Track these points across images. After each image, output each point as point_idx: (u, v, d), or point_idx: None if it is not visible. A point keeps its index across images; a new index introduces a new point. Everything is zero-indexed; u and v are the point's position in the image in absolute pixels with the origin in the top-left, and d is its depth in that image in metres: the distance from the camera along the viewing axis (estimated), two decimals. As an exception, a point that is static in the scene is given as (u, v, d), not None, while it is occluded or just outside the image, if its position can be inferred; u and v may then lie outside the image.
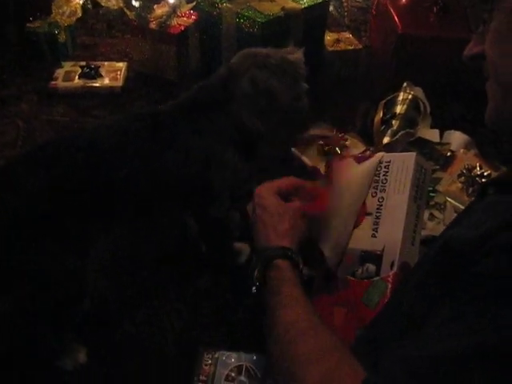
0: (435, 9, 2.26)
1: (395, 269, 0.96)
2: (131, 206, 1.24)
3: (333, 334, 0.71)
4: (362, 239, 1.05)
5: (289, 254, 0.85)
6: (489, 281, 0.56)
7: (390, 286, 0.94)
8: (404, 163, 1.07)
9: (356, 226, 1.07)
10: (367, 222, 1.06)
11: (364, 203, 1.08)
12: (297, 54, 1.34)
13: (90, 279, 1.17)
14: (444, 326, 0.57)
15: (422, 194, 1.06)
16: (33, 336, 1.23)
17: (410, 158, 1.07)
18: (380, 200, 1.06)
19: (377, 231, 1.03)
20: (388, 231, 1.01)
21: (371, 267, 0.99)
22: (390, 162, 1.10)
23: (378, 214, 1.05)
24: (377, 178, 1.09)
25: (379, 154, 1.12)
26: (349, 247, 1.06)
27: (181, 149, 1.25)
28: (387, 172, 1.08)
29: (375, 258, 1.00)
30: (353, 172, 1.13)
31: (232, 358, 1.13)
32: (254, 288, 0.84)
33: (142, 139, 1.23)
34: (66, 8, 2.26)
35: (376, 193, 1.08)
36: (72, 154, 1.16)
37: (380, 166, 1.10)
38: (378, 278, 0.97)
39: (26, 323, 1.19)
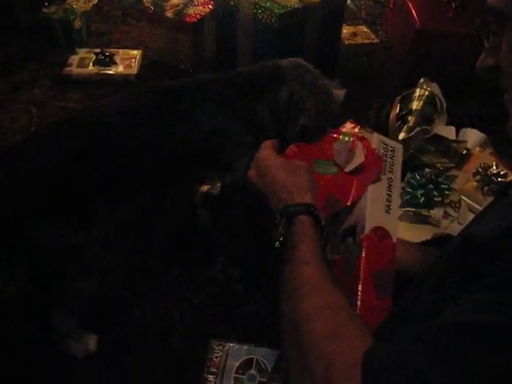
0: (453, 4, 2.24)
1: (366, 231, 0.98)
2: (139, 182, 1.23)
3: (344, 297, 0.71)
4: (345, 219, 1.08)
5: (311, 210, 0.85)
6: None
7: (363, 248, 0.96)
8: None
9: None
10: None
11: None
12: (340, 93, 1.35)
13: (92, 257, 1.16)
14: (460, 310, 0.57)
15: (393, 168, 1.08)
16: (38, 318, 1.24)
17: (371, 138, 1.11)
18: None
19: (353, 207, 1.05)
20: (360, 204, 1.04)
21: (349, 239, 1.02)
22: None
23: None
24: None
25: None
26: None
27: (193, 123, 1.25)
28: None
29: (351, 230, 1.03)
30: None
31: (243, 351, 1.13)
32: (277, 243, 0.84)
33: (151, 113, 1.23)
34: (82, -6, 2.25)
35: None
36: (79, 130, 1.17)
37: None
38: (353, 245, 1.00)
39: (30, 304, 1.19)
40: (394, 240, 1.01)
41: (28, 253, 1.09)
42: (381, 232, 1.00)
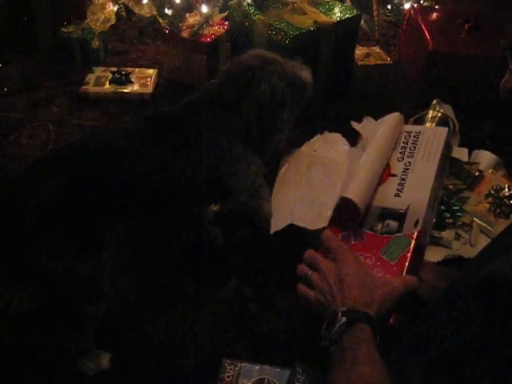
0: (467, 26, 2.25)
1: (419, 227, 0.99)
2: (148, 206, 1.25)
3: None
4: (384, 198, 1.09)
5: (372, 323, 0.87)
6: None
7: (413, 242, 0.97)
8: (435, 135, 1.14)
9: (379, 184, 1.11)
10: (391, 182, 1.10)
11: (388, 165, 1.14)
12: (306, 73, 1.39)
13: (104, 279, 1.18)
14: None
15: (445, 169, 1.13)
16: (50, 337, 1.24)
17: (442, 131, 1.15)
18: (407, 164, 1.12)
19: (401, 191, 1.07)
20: (414, 193, 1.05)
21: (392, 223, 1.03)
22: (419, 132, 1.18)
23: (403, 177, 1.10)
24: (404, 145, 1.16)
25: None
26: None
27: (195, 147, 1.27)
28: (416, 140, 1.15)
29: (397, 215, 1.03)
30: (375, 128, 1.22)
31: (254, 371, 1.13)
32: (326, 341, 0.87)
33: (156, 139, 1.25)
34: (100, 14, 2.29)
35: (403, 157, 1.14)
36: (87, 155, 1.19)
37: (409, 135, 1.18)
38: (400, 234, 1.00)
39: (44, 323, 1.20)
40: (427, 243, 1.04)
41: (38, 276, 1.09)
42: (425, 235, 1.02)
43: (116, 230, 1.20)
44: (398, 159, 1.14)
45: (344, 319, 0.86)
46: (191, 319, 1.37)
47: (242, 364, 1.15)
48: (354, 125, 1.30)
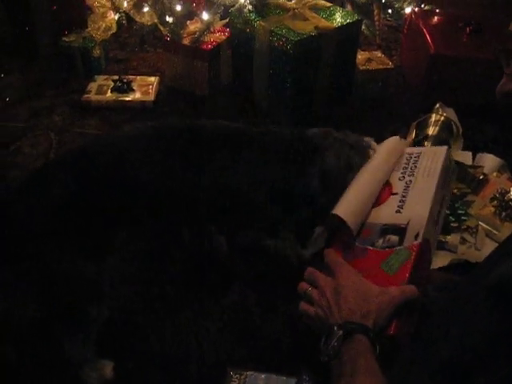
0: (468, 29, 2.25)
1: (420, 239, 0.99)
2: (155, 218, 1.24)
3: None
4: (385, 215, 1.11)
5: (369, 334, 0.87)
6: None
7: (413, 254, 0.97)
8: (435, 154, 1.17)
9: (380, 203, 1.14)
10: (392, 200, 1.13)
11: (390, 184, 1.17)
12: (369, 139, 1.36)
13: (107, 283, 1.17)
14: None
15: (447, 186, 1.15)
16: (53, 345, 1.23)
17: (442, 149, 1.18)
18: (407, 182, 1.14)
19: (402, 208, 1.09)
20: (414, 208, 1.07)
21: (393, 238, 1.04)
22: (420, 152, 1.21)
23: (404, 194, 1.12)
24: (406, 166, 1.19)
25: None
26: (370, 222, 1.12)
27: (215, 173, 1.26)
28: (417, 161, 1.18)
29: (398, 230, 1.04)
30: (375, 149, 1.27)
31: (260, 380, 1.12)
32: (325, 357, 0.87)
33: (175, 154, 1.24)
34: (101, 23, 2.29)
35: (404, 177, 1.17)
36: (99, 164, 1.19)
37: (410, 156, 1.21)
38: (401, 246, 1.00)
39: (45, 330, 1.19)
40: (432, 255, 1.04)
41: (41, 278, 1.09)
42: (427, 245, 1.02)
43: (122, 235, 1.19)
44: (399, 179, 1.17)
45: (340, 332, 0.87)
46: (196, 327, 1.35)
47: (248, 373, 1.14)
48: None
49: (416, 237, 1.00)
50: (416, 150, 1.25)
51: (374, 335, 0.87)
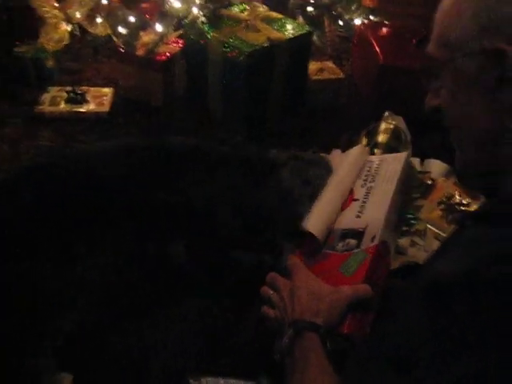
0: (414, 41, 2.32)
1: (376, 241, 1.02)
2: (119, 230, 1.24)
3: None
4: (346, 220, 1.13)
5: (320, 331, 0.89)
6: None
7: (369, 256, 1.00)
8: (395, 160, 1.21)
9: (343, 209, 1.17)
10: (353, 206, 1.15)
11: (352, 191, 1.20)
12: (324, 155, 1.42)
13: (73, 294, 1.17)
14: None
15: (407, 191, 1.19)
16: (10, 355, 1.21)
17: (401, 156, 1.22)
18: (368, 189, 1.17)
19: (362, 213, 1.12)
20: (372, 212, 1.10)
21: (352, 241, 1.06)
22: (382, 160, 1.24)
23: (364, 200, 1.15)
24: (367, 173, 1.22)
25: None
26: (333, 228, 1.14)
27: (191, 191, 1.28)
28: (378, 168, 1.21)
29: (357, 234, 1.07)
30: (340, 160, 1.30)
31: (219, 385, 1.14)
32: (278, 355, 0.91)
33: (148, 171, 1.25)
34: (53, 34, 2.28)
35: (365, 183, 1.19)
36: (67, 179, 1.19)
37: (372, 164, 1.24)
38: (359, 249, 1.03)
39: (3, 340, 1.18)
40: (391, 259, 1.06)
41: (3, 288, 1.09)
42: (385, 248, 1.04)
43: (91, 243, 1.19)
44: (361, 186, 1.20)
45: (291, 330, 0.90)
46: (158, 335, 1.35)
47: (208, 379, 1.15)
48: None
49: (373, 239, 1.03)
50: (378, 157, 1.30)
51: (324, 332, 0.89)
